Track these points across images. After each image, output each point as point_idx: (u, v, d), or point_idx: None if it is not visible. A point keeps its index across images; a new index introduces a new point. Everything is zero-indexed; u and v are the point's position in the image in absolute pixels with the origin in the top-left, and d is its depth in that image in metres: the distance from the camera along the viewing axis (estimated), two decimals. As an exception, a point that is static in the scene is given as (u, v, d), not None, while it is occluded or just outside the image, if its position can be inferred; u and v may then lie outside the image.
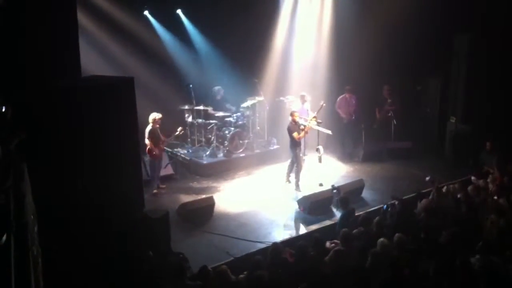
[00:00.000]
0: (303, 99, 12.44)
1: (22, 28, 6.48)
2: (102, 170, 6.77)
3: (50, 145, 6.19)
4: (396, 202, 8.73)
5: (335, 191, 9.74)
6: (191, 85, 12.18)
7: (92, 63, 10.38)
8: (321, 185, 10.82)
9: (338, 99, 13.44)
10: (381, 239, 6.99)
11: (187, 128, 12.22)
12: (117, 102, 7.07)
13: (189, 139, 12.58)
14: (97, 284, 6.41)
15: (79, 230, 6.35)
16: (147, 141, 10.44)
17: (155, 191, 10.78)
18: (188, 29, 13.29)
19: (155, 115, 10.50)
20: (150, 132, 10.47)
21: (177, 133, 11.03)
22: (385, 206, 9.04)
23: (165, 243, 8.02)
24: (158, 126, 10.56)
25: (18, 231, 3.82)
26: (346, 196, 9.17)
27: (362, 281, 6.12)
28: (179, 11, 13.15)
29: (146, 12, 12.68)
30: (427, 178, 9.54)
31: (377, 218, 7.99)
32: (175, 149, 12.55)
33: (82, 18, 10.23)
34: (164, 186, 11.12)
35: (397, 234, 7.08)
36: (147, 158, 11.02)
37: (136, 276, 6.55)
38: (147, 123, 10.43)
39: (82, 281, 6.25)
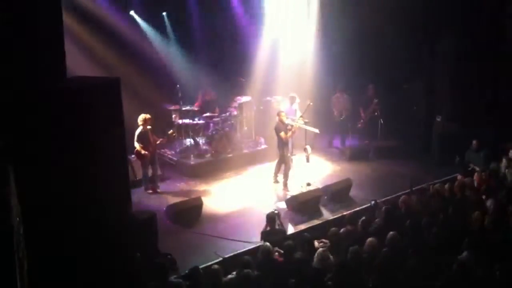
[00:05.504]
0: (292, 100, 12.45)
1: (6, 29, 6.40)
2: (88, 171, 6.71)
3: (35, 147, 6.12)
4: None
5: (276, 211, 8.56)
6: (178, 86, 12.17)
7: (77, 63, 10.28)
8: (309, 184, 10.84)
9: (332, 98, 13.59)
10: (370, 238, 7.02)
11: (174, 129, 12.18)
12: (103, 103, 7.01)
13: (177, 140, 12.56)
14: (83, 285, 6.35)
15: (65, 232, 6.29)
16: (136, 144, 10.35)
17: (150, 191, 10.76)
18: (174, 29, 13.26)
19: (144, 116, 10.39)
20: (140, 134, 10.35)
21: (168, 134, 11.11)
22: (373, 202, 9.11)
23: (153, 244, 7.99)
24: (149, 127, 10.46)
25: (4, 234, 3.78)
26: (273, 213, 8.41)
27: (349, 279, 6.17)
28: (164, 14, 13.13)
29: (132, 12, 12.63)
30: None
31: (363, 217, 8.02)
32: (162, 150, 12.50)
33: (67, 18, 10.14)
34: (160, 191, 10.93)
35: (390, 233, 7.10)
36: (134, 159, 10.96)
37: (123, 277, 6.51)
38: (134, 124, 10.36)
39: (68, 283, 6.20)
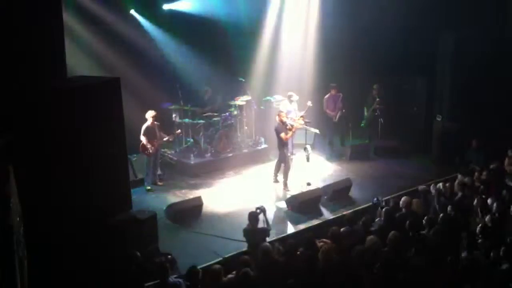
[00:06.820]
0: (290, 98, 12.44)
1: (7, 29, 6.40)
2: (89, 171, 6.72)
3: (36, 146, 6.13)
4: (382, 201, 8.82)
5: (258, 210, 8.08)
6: (178, 85, 12.19)
7: (78, 63, 10.30)
8: (309, 184, 10.84)
9: (325, 98, 13.41)
10: (370, 236, 7.01)
11: (175, 128, 12.18)
12: (103, 103, 7.02)
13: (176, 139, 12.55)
14: (83, 285, 6.36)
15: (66, 231, 6.30)
16: (142, 138, 10.56)
17: (148, 187, 10.89)
18: (174, 27, 13.25)
19: (152, 113, 10.68)
20: (147, 128, 10.59)
21: (175, 133, 11.40)
22: (375, 199, 9.06)
23: (153, 244, 7.99)
24: (156, 123, 10.74)
25: (3, 233, 3.78)
26: (255, 212, 8.05)
27: (352, 278, 6.16)
28: (165, 6, 13.14)
29: (132, 11, 12.64)
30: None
31: (363, 218, 8.00)
32: (163, 149, 12.48)
33: (68, 18, 10.13)
34: (161, 183, 11.26)
35: (392, 232, 7.09)
36: (134, 158, 10.98)
37: (123, 276, 6.52)
38: (135, 124, 10.39)
39: (67, 282, 6.21)
